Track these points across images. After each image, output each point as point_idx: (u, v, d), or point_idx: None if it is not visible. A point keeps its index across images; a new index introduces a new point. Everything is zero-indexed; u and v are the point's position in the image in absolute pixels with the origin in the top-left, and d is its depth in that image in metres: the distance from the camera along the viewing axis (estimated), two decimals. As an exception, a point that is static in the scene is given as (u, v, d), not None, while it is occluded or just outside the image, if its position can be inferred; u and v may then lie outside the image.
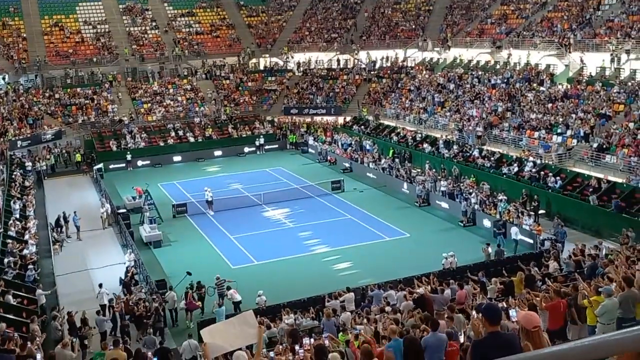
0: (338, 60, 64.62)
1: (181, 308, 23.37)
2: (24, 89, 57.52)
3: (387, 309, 18.30)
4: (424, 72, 56.96)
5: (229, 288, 23.93)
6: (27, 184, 40.82)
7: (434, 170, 40.42)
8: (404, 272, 24.29)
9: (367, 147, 48.47)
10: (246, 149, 54.60)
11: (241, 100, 61.67)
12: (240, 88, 63.47)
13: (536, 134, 39.10)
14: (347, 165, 46.69)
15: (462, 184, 36.24)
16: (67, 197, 41.85)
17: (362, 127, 52.96)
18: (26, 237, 29.84)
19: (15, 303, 22.43)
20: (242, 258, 29.35)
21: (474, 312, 14.22)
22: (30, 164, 47.01)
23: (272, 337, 18.36)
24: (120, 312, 22.42)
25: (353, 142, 49.98)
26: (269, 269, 28.23)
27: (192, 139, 54.57)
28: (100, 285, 24.19)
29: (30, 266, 26.06)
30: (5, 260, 26.20)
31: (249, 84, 64.30)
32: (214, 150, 54.08)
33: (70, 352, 16.63)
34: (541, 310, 13.31)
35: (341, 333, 16.34)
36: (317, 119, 60.49)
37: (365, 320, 17.55)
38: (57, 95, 57.57)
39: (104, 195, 39.89)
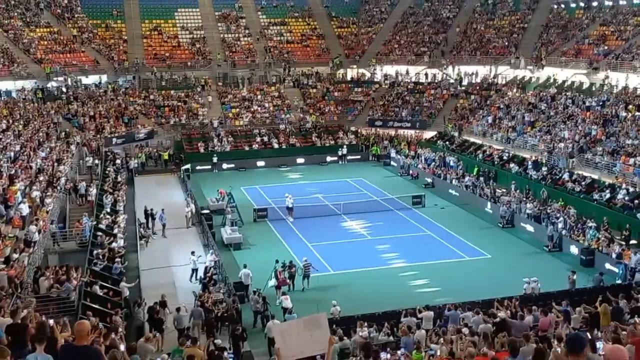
0: (426, 74, 64.11)
1: (271, 286, 25.74)
2: (122, 89, 60.18)
3: (464, 330, 17.91)
4: (515, 90, 55.65)
5: (283, 293, 25.08)
6: (119, 179, 42.56)
7: (519, 191, 39.41)
8: (483, 294, 23.83)
9: (451, 163, 47.80)
10: (328, 158, 54.95)
11: (326, 110, 62.14)
12: (326, 97, 64.00)
13: (631, 160, 37.40)
14: (429, 180, 46.24)
15: (549, 207, 35.14)
16: (155, 194, 43.30)
17: (447, 142, 52.27)
18: (115, 230, 31.07)
19: (101, 294, 23.41)
20: (318, 266, 29.47)
21: (555, 342, 13.72)
22: (121, 161, 48.99)
23: (345, 349, 18.29)
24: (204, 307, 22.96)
25: (437, 158, 49.41)
26: (345, 279, 28.26)
27: (276, 145, 55.42)
28: (193, 253, 27.96)
29: (118, 259, 27.13)
30: (95, 252, 27.38)
31: (335, 93, 64.74)
32: (297, 157, 54.73)
33: (152, 346, 17.18)
34: (627, 345, 12.65)
35: (416, 351, 16.12)
36: (402, 132, 60.13)
37: (441, 340, 17.25)
38: (151, 97, 59.88)
39: (189, 195, 41.05)
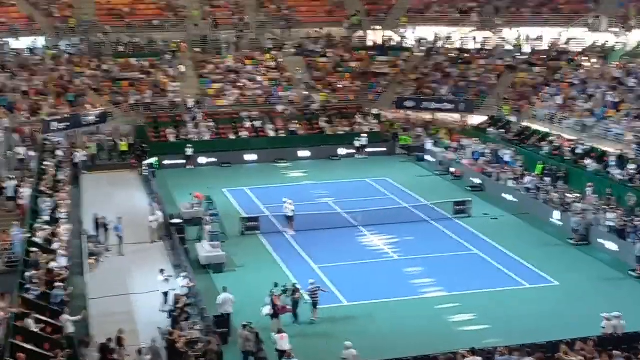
0: (474, 39, 64.02)
1: (265, 314, 26.16)
2: (65, 56, 60.22)
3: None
4: (594, 60, 55.47)
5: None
6: (60, 177, 42.71)
7: (598, 196, 39.27)
8: (548, 333, 23.79)
9: (507, 158, 47.68)
10: (342, 151, 54.93)
11: (340, 86, 62.12)
12: (340, 69, 64.01)
13: None
14: (477, 181, 46.15)
15: (638, 219, 35.07)
16: (109, 198, 43.41)
17: (502, 130, 52.15)
18: (55, 246, 31.06)
19: (36, 330, 23.45)
20: (327, 296, 29.32)
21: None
22: (64, 153, 49.10)
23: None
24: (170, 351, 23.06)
25: (487, 151, 49.33)
26: (363, 313, 28.24)
27: (271, 133, 55.50)
28: (162, 272, 28.50)
29: (59, 284, 27.16)
30: (28, 274, 27.32)
31: (352, 64, 64.73)
32: (299, 149, 54.77)
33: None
34: None
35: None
36: (441, 116, 60.01)
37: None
38: (105, 67, 60.04)
39: (155, 200, 41.16)
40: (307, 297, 27.76)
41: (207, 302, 27.73)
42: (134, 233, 36.30)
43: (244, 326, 24.47)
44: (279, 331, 24.41)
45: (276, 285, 27.39)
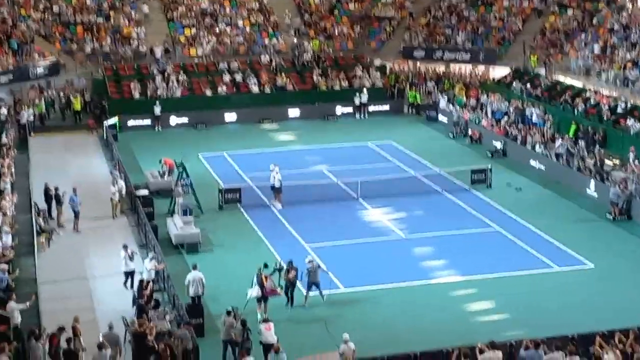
0: (496, -24, 63.84)
1: (253, 297, 26.52)
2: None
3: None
4: (638, 1, 55.35)
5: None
6: (4, 141, 42.59)
7: (642, 163, 39.47)
8: (580, 325, 23.87)
9: (534, 118, 47.76)
10: (339, 110, 54.96)
11: (336, 32, 61.94)
12: (336, 12, 63.77)
13: None
14: (499, 145, 46.25)
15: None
16: (62, 164, 43.43)
17: (528, 85, 52.16)
18: (-2, 221, 31.20)
19: (-23, 320, 23.53)
20: (321, 280, 29.50)
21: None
22: (7, 111, 48.94)
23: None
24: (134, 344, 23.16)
25: (511, 110, 49.37)
26: (364, 301, 28.35)
27: (255, 89, 55.42)
28: (125, 248, 28.70)
29: (3, 266, 27.17)
30: (-34, 254, 27.47)
31: (350, 6, 64.51)
32: (289, 107, 54.83)
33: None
34: None
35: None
36: (456, 68, 59.92)
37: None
38: (55, 9, 59.75)
39: (116, 167, 41.11)
40: (304, 277, 27.96)
41: (179, 287, 27.82)
42: (92, 206, 36.26)
43: (229, 312, 24.64)
44: (265, 320, 24.51)
45: (266, 265, 27.46)
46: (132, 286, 28.21)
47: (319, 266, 28.56)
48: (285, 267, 27.89)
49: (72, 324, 23.07)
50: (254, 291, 26.76)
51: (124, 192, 36.97)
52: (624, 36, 51.83)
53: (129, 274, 28.60)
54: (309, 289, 27.91)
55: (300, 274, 27.80)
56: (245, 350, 22.75)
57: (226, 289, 28.31)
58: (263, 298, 26.63)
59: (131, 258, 28.86)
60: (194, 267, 27.42)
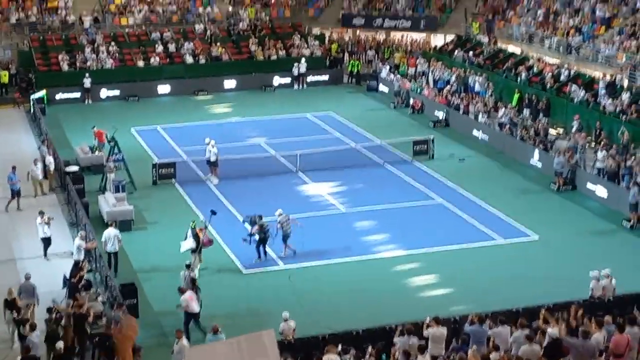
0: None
1: (186, 250, 27.76)
2: None
3: (494, 355, 18.17)
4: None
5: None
6: None
7: (586, 132, 39.67)
8: (525, 298, 24.01)
9: (477, 87, 47.95)
10: (277, 80, 54.68)
11: (273, 0, 61.48)
12: (272, -22, 63.40)
13: None
14: (441, 115, 46.35)
15: (633, 158, 35.53)
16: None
17: (470, 53, 52.31)
18: None
19: None
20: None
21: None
22: None
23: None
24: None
25: (453, 78, 49.48)
26: (303, 277, 28.29)
27: (189, 59, 54.89)
28: (41, 214, 29.15)
29: None
30: None
31: (288, -29, 64.20)
32: (225, 78, 54.51)
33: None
34: None
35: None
36: (397, 36, 59.88)
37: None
38: (-23, -24, 58.61)
39: (44, 142, 40.46)
40: (276, 232, 29.36)
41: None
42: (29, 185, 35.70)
43: (187, 266, 25.67)
44: (181, 290, 24.38)
45: (193, 222, 28.64)
46: (44, 252, 29.43)
47: (289, 218, 29.58)
48: (255, 219, 29.18)
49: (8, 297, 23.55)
50: (188, 243, 27.74)
51: (52, 168, 36.37)
52: (567, 2, 52.10)
53: (46, 241, 29.23)
54: (284, 241, 29.46)
55: (274, 230, 29.29)
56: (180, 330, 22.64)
57: (161, 267, 28.09)
58: (198, 250, 27.52)
59: (48, 224, 29.21)
60: (110, 224, 28.90)
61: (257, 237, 29.09)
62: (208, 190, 36.51)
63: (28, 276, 24.90)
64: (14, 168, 34.84)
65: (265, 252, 29.31)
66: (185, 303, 23.75)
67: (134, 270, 28.54)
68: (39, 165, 36.02)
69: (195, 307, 23.85)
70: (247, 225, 30.13)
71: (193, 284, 24.66)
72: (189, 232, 27.97)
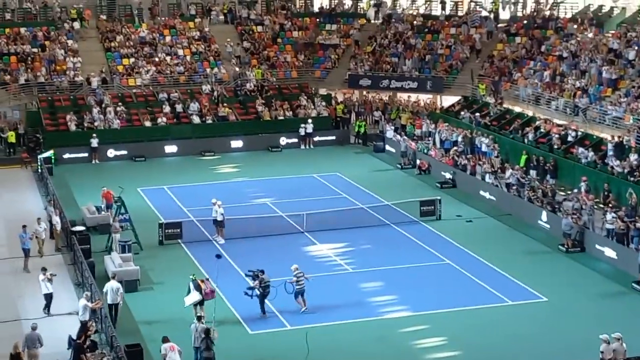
0: (443, 4, 64.33)
1: (192, 303, 28.26)
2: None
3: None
4: (586, 28, 56.11)
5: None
6: None
7: (593, 193, 39.68)
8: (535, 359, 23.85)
9: (484, 148, 48.02)
10: (283, 141, 54.84)
11: (280, 60, 61.95)
12: (279, 40, 63.83)
13: None
14: (448, 176, 46.37)
15: (640, 220, 35.54)
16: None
17: (477, 114, 52.48)
18: None
19: None
20: (266, 319, 29.33)
21: None
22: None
23: None
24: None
25: (460, 139, 49.62)
26: (310, 339, 27.81)
27: (196, 119, 55.12)
28: (44, 270, 30.21)
29: None
30: None
31: (294, 34, 64.68)
32: (231, 139, 54.59)
33: None
34: None
35: None
36: (403, 97, 60.17)
37: None
38: (-13, 38, 59.18)
39: (51, 202, 40.56)
40: (291, 288, 30.00)
41: (118, 328, 27.43)
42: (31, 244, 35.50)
43: (199, 317, 26.16)
44: (165, 340, 24.87)
45: (193, 275, 29.29)
46: (47, 309, 29.71)
47: (304, 274, 30.08)
48: (257, 273, 29.70)
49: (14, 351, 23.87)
50: (193, 297, 28.21)
51: (59, 228, 36.41)
52: (573, 64, 52.42)
53: (48, 297, 29.61)
54: (295, 297, 29.98)
55: (289, 285, 29.99)
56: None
57: (167, 328, 27.84)
58: (200, 302, 28.10)
59: (50, 280, 29.59)
60: (112, 277, 29.38)
61: (257, 291, 29.50)
62: (215, 250, 36.39)
63: (34, 326, 25.47)
64: (24, 227, 34.88)
65: (263, 308, 29.71)
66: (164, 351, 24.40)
67: (139, 330, 28.38)
68: (42, 225, 35.97)
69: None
70: (249, 280, 30.57)
71: (207, 335, 24.93)
72: (191, 285, 28.50)
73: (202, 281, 28.45)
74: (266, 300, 29.69)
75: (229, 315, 29.72)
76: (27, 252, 34.45)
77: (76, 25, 61.45)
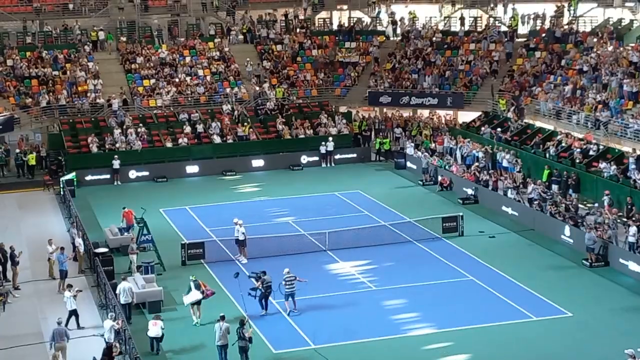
0: (462, 19, 64.39)
1: (192, 302, 30.33)
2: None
3: None
4: (606, 41, 56.06)
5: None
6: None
7: (617, 207, 39.56)
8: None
9: (505, 163, 47.96)
10: (304, 159, 55.00)
11: (300, 79, 62.22)
12: (299, 59, 64.10)
13: None
14: (470, 192, 46.39)
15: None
16: (16, 223, 43.06)
17: (498, 130, 52.47)
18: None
19: None
20: (290, 337, 29.36)
21: None
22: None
23: None
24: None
25: (482, 155, 49.60)
26: (333, 357, 28.09)
27: (217, 139, 55.35)
28: (70, 287, 31.13)
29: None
30: None
31: (314, 52, 64.86)
32: (252, 158, 54.77)
33: None
34: None
35: None
36: (424, 113, 60.18)
37: None
38: (9, 62, 59.51)
39: (74, 225, 40.78)
40: (282, 289, 31.24)
41: (141, 348, 27.53)
42: (47, 266, 35.86)
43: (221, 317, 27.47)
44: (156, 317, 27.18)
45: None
46: (77, 323, 30.62)
47: (296, 277, 31.50)
48: (259, 275, 31.46)
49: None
50: (193, 296, 30.20)
51: (82, 250, 36.61)
52: (593, 77, 52.35)
53: (74, 313, 30.56)
54: (286, 299, 31.40)
55: (282, 287, 31.21)
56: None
57: (191, 348, 27.97)
58: (198, 302, 30.30)
59: (75, 296, 30.66)
60: (124, 279, 31.33)
61: (259, 291, 31.34)
62: (237, 269, 36.45)
63: (60, 321, 27.76)
64: (62, 249, 35.20)
65: (266, 306, 31.48)
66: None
67: (163, 351, 28.44)
68: (53, 246, 35.85)
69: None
70: (254, 280, 31.98)
71: (242, 325, 26.89)
72: (192, 285, 30.39)
73: (203, 284, 30.67)
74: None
75: (253, 333, 29.79)
76: (65, 274, 34.57)
77: (97, 48, 61.89)
